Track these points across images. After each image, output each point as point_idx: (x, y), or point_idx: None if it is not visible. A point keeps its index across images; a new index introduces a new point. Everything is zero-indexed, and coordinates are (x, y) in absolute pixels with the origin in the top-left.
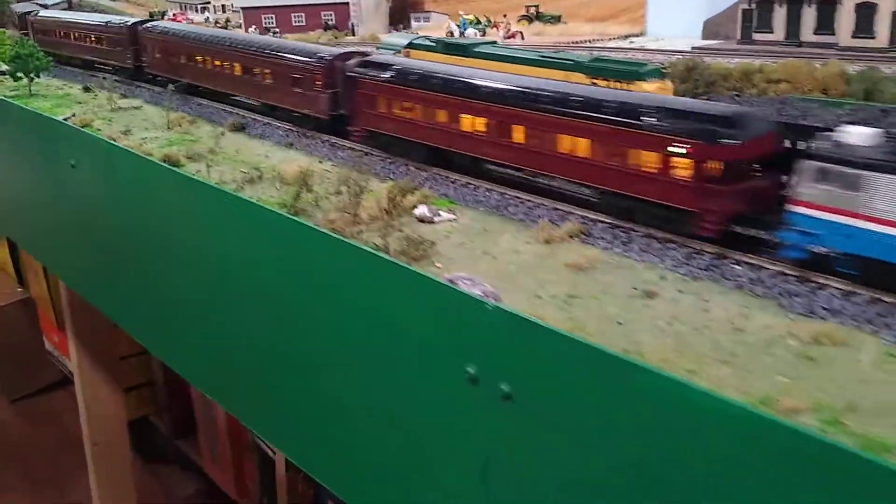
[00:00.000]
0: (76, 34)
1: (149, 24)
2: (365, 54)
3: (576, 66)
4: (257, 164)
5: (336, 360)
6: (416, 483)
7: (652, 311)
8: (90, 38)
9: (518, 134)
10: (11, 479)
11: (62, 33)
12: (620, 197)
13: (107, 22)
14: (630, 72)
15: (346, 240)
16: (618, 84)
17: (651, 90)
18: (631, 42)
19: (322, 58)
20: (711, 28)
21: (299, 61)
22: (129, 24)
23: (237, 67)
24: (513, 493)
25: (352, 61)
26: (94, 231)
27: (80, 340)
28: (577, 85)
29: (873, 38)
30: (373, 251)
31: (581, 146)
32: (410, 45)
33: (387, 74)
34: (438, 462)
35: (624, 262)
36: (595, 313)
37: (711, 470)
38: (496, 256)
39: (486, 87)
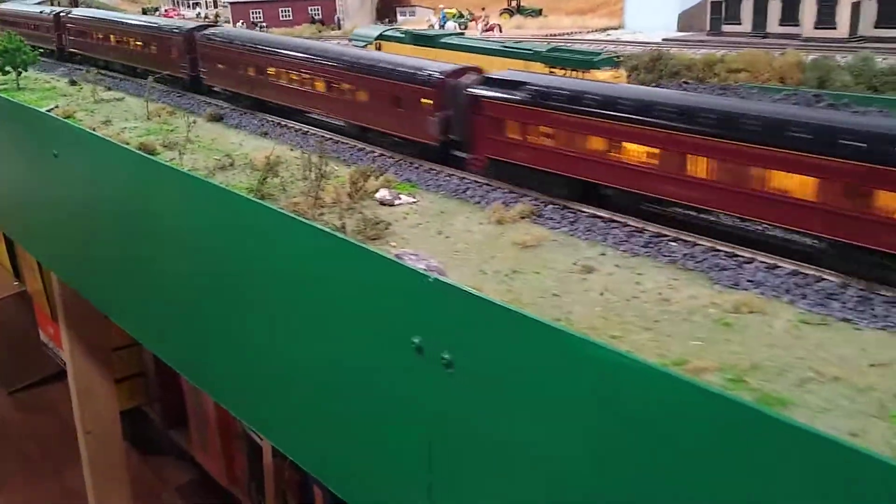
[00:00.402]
0: (119, 38)
1: (210, 31)
2: (479, 70)
3: (534, 56)
4: (231, 151)
5: (298, 334)
6: (368, 446)
7: (588, 284)
8: (137, 43)
9: (701, 166)
10: (11, 468)
11: (101, 36)
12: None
13: (159, 26)
14: (584, 61)
15: (303, 220)
16: (573, 72)
17: (604, 78)
18: (607, 34)
19: (431, 74)
20: (685, 21)
21: (402, 76)
22: (185, 29)
23: (321, 84)
24: (455, 452)
25: (466, 78)
26: (75, 218)
27: (73, 332)
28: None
29: (834, 28)
30: (328, 231)
31: (803, 186)
32: (381, 37)
33: (520, 95)
34: (388, 426)
35: (569, 240)
36: (534, 286)
37: (629, 421)
38: (449, 236)
39: (657, 106)
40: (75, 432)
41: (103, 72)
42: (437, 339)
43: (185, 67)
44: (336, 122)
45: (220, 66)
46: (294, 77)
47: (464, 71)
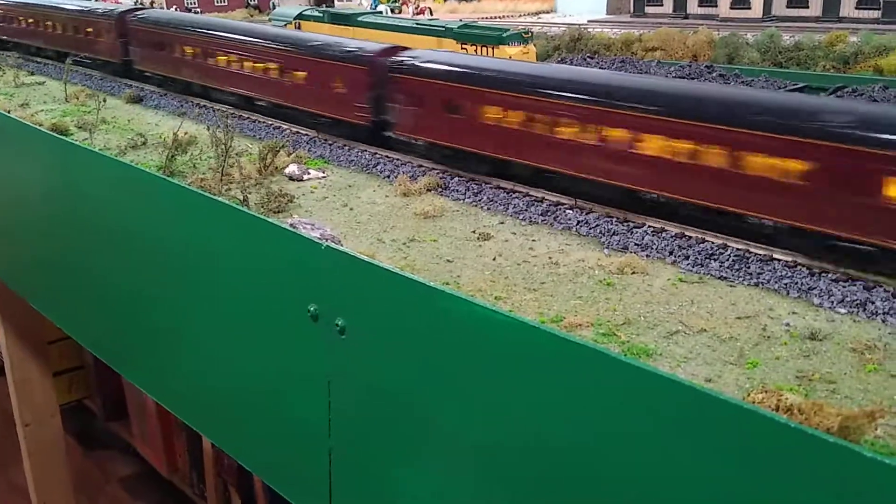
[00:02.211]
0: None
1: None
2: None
3: (446, 33)
4: (146, 131)
5: (202, 308)
6: (270, 414)
7: (482, 250)
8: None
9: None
10: None
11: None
12: None
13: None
14: (493, 37)
15: (203, 194)
16: (484, 49)
17: (513, 53)
18: (539, 17)
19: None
20: (613, 3)
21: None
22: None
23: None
24: (353, 411)
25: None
26: None
27: (9, 324)
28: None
29: (749, 9)
30: (226, 203)
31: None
32: (300, 17)
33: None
34: (288, 394)
35: (471, 210)
36: (429, 254)
37: (507, 376)
38: (353, 208)
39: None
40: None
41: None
42: (330, 305)
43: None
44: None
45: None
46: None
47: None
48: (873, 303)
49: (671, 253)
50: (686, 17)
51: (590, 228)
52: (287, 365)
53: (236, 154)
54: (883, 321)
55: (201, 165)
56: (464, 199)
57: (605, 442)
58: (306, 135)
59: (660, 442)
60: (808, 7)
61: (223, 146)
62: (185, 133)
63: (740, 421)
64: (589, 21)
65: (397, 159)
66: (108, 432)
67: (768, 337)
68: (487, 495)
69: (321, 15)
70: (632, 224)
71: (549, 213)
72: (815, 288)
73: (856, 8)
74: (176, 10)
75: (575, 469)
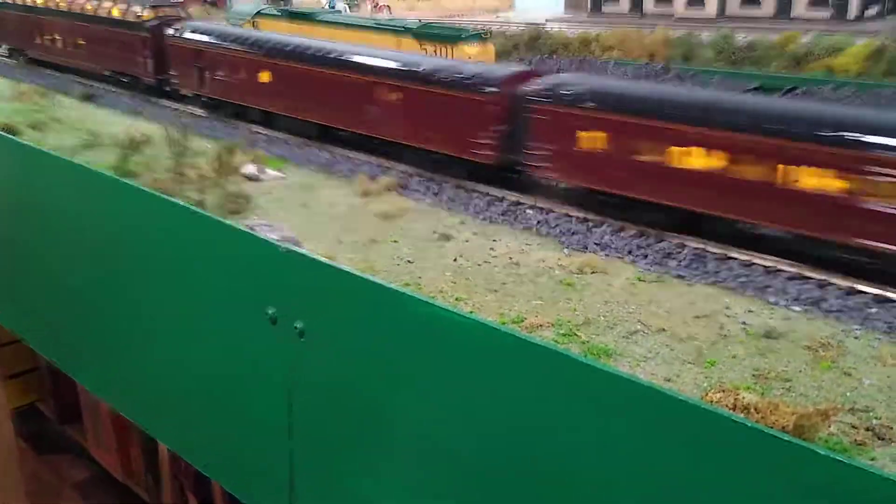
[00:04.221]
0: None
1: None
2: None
3: (405, 32)
4: (99, 131)
5: (157, 312)
6: (228, 419)
7: (443, 251)
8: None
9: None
10: None
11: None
12: None
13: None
14: (452, 36)
15: (158, 195)
16: (443, 47)
17: (472, 53)
18: (497, 16)
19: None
20: (571, 1)
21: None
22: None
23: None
24: (314, 414)
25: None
26: None
27: None
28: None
29: (703, 7)
30: (182, 204)
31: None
32: (258, 14)
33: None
34: (247, 394)
35: (431, 210)
36: (389, 254)
37: (466, 375)
38: (312, 208)
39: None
40: None
41: None
42: (289, 308)
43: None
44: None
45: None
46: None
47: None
48: (826, 300)
49: (630, 252)
50: (642, 16)
51: (550, 228)
52: (245, 368)
53: (193, 154)
54: (837, 318)
55: (157, 166)
56: (423, 199)
57: (567, 442)
58: (264, 134)
59: (620, 441)
60: (760, 6)
61: (179, 146)
62: (132, 130)
63: (699, 421)
64: (547, 20)
65: (356, 159)
66: (63, 436)
67: (725, 335)
68: (452, 496)
69: (279, 13)
70: (591, 223)
71: (509, 213)
72: (770, 286)
73: (807, 8)
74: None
75: (537, 469)
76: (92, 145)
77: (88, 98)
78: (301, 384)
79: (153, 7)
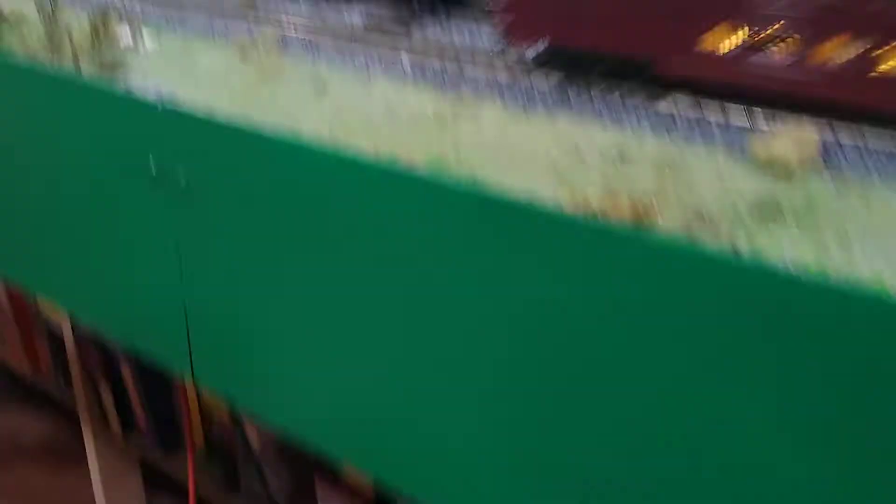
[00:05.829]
0: None
1: None
2: None
3: None
4: None
5: (41, 179)
6: (122, 279)
7: (323, 101)
8: None
9: None
10: None
11: None
12: None
13: None
14: None
15: (31, 65)
16: None
17: None
18: None
19: None
20: None
21: None
22: None
23: None
24: (202, 270)
25: None
26: None
27: None
28: None
29: None
30: (57, 71)
31: None
32: None
33: None
34: (138, 257)
35: (309, 68)
36: (268, 108)
37: (350, 219)
38: (191, 70)
39: None
40: None
41: None
42: (173, 163)
43: None
44: None
45: None
46: None
47: None
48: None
49: (501, 94)
50: None
51: (425, 72)
52: (133, 228)
53: (66, 27)
54: (685, 141)
55: (31, 42)
56: (304, 56)
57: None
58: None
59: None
60: None
61: (49, 15)
62: (11, 9)
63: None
64: None
65: (242, 20)
66: None
67: (584, 161)
68: (350, 354)
69: None
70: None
71: (386, 60)
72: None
73: None
74: None
75: (433, 326)
76: None
77: None
78: (189, 241)
79: None
